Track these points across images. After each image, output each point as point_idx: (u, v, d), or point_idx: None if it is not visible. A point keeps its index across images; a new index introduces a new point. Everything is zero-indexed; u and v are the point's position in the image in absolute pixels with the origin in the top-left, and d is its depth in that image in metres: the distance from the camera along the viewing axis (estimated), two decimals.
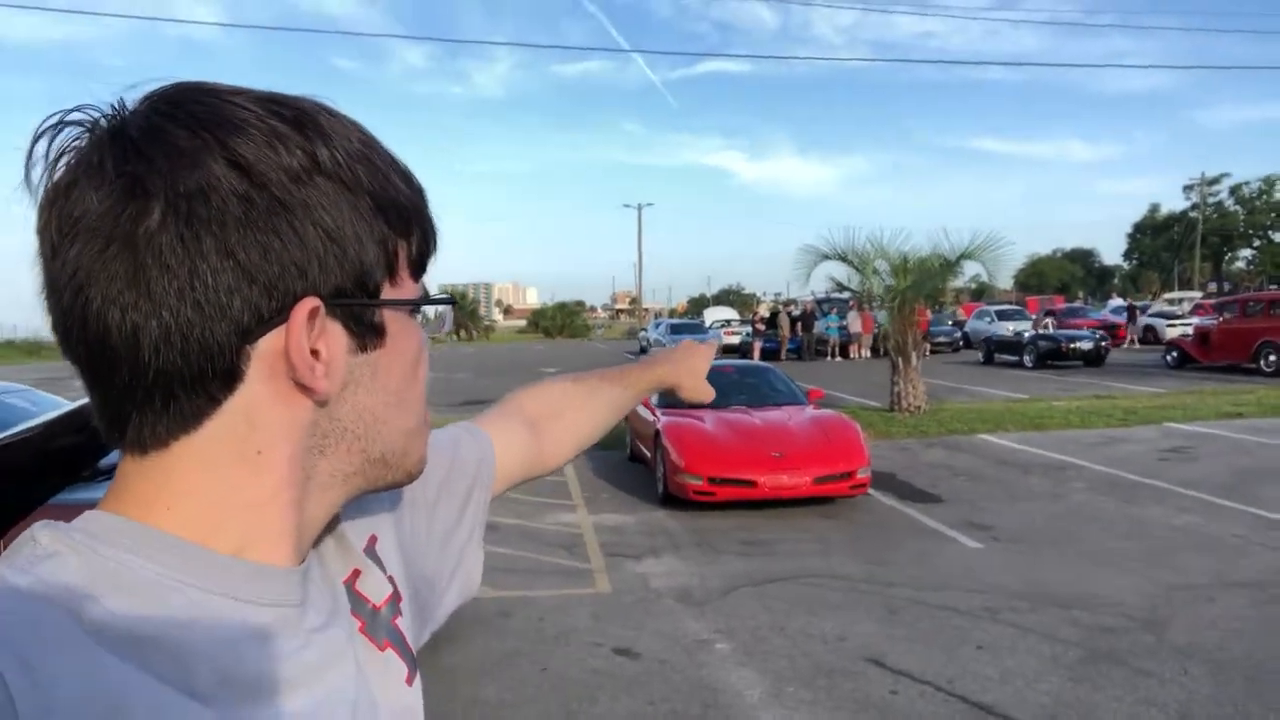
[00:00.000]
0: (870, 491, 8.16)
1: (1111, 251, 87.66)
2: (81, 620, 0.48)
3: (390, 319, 0.57)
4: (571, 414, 1.05)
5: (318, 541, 0.63)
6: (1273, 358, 18.35)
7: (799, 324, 28.13)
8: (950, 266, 15.27)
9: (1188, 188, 71.63)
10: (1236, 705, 4.01)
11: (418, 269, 0.60)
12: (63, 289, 0.50)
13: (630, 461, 10.32)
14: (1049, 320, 27.66)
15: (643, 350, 33.86)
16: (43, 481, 1.08)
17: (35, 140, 0.51)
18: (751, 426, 8.56)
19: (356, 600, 0.65)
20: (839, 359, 26.81)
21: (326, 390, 0.54)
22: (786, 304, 35.05)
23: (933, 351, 26.79)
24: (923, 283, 15.04)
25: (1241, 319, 19.58)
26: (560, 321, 64.57)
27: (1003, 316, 30.22)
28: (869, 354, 26.12)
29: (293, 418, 0.54)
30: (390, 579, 0.69)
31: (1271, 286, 43.19)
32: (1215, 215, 69.96)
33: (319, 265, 0.52)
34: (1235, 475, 8.87)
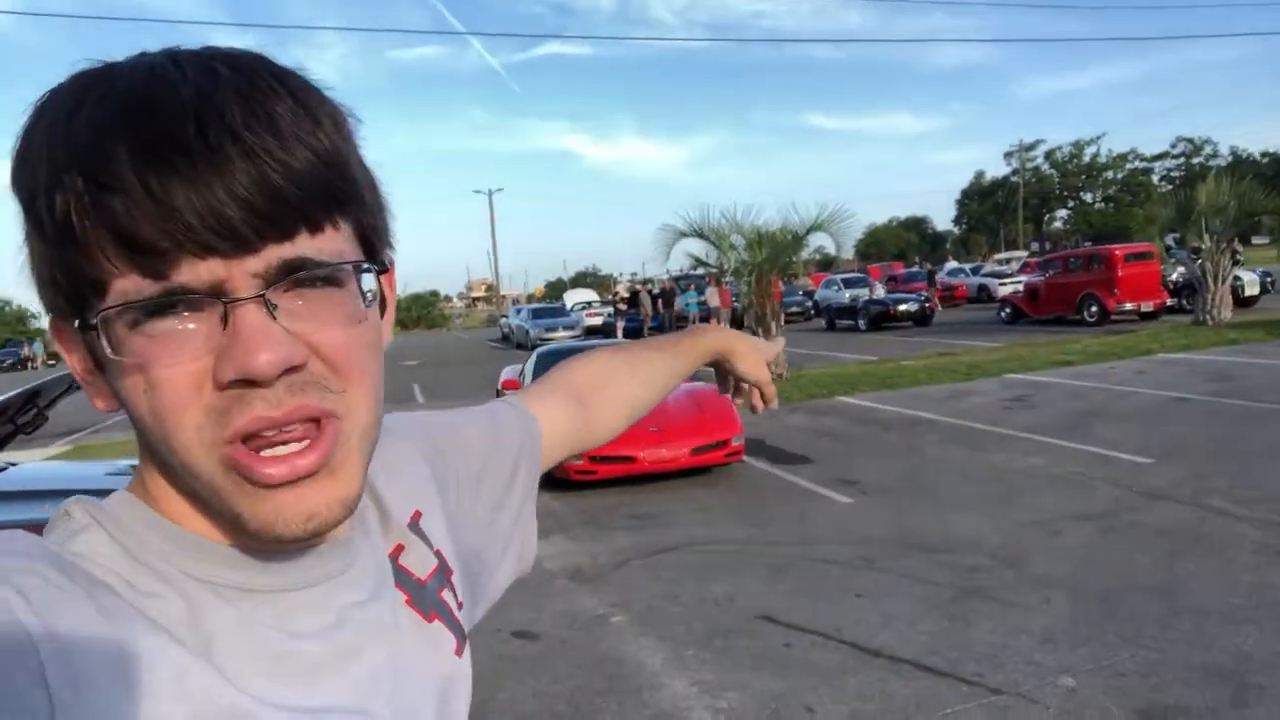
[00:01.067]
0: (744, 458, 8.43)
1: (943, 218, 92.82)
2: (116, 588, 0.50)
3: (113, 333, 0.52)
4: (618, 385, 1.02)
5: (360, 518, 0.63)
6: (1094, 308, 19.98)
7: (659, 301, 28.54)
8: (800, 239, 15.86)
9: (1008, 154, 76.88)
10: (1094, 624, 4.40)
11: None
12: None
13: None
14: (889, 285, 29.14)
15: (504, 337, 33.56)
16: None
17: None
18: None
19: (401, 574, 0.65)
20: None
21: (101, 408, 0.55)
22: (645, 283, 35.45)
23: (787, 321, 27.72)
24: (776, 255, 15.55)
25: (1065, 274, 21.20)
26: (415, 313, 63.09)
27: (849, 285, 31.51)
28: (729, 326, 26.77)
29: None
30: (437, 553, 0.69)
31: (1086, 243, 46.69)
32: (1034, 179, 75.32)
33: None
34: (1071, 418, 9.62)
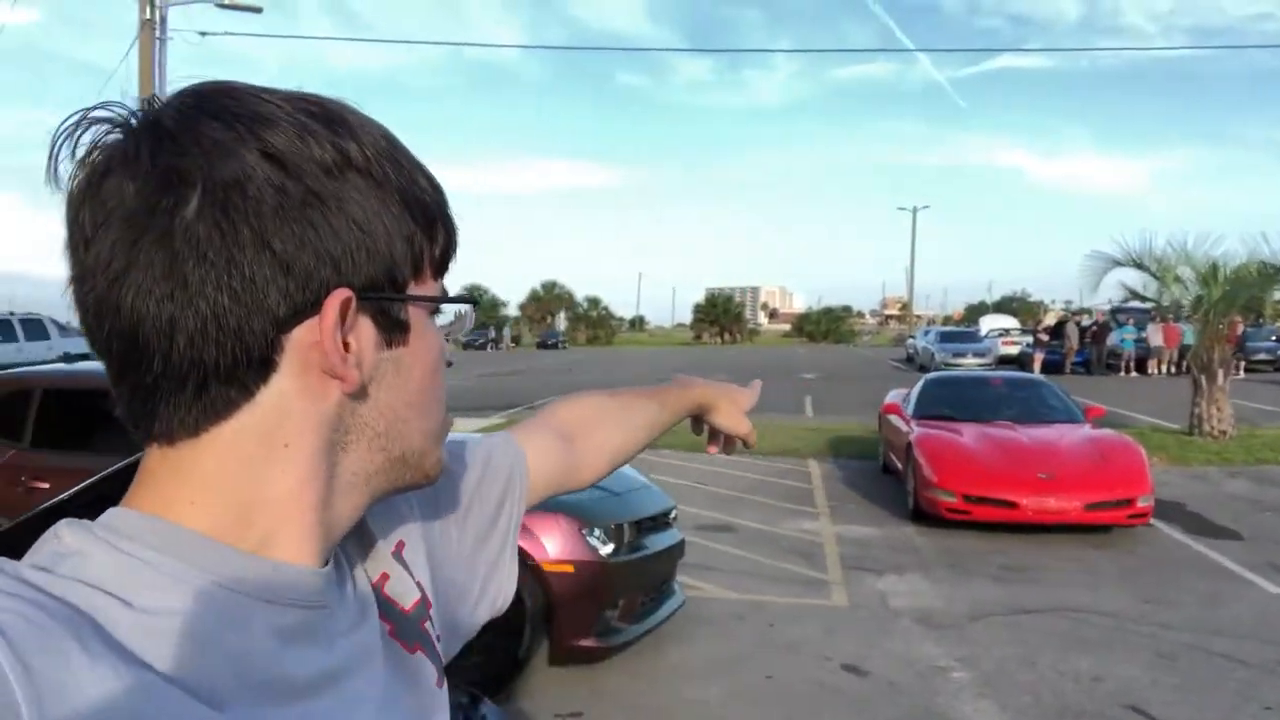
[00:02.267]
0: (1152, 522, 7.36)
1: None
2: (100, 622, 0.46)
3: (414, 316, 0.57)
4: (607, 429, 1.02)
5: (346, 544, 0.63)
6: None
7: (1089, 335, 25.85)
8: (1273, 275, 13.42)
9: None
10: None
11: (440, 269, 0.60)
12: (95, 280, 0.50)
13: (883, 473, 9.98)
14: None
15: (909, 358, 32.58)
16: None
17: (61, 134, 0.51)
18: (1016, 443, 8.00)
19: (385, 603, 0.65)
20: (1133, 374, 24.34)
21: (356, 382, 0.54)
22: (1076, 313, 32.32)
23: (1248, 369, 23.67)
24: (1237, 292, 13.33)
25: None
26: (825, 326, 63.71)
27: None
28: (1171, 370, 23.52)
29: (320, 411, 0.54)
30: (418, 584, 0.69)
31: None
32: None
33: (351, 258, 0.52)
34: None
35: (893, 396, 10.46)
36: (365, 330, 0.54)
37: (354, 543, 0.65)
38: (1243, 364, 22.29)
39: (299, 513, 0.55)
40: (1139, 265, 14.08)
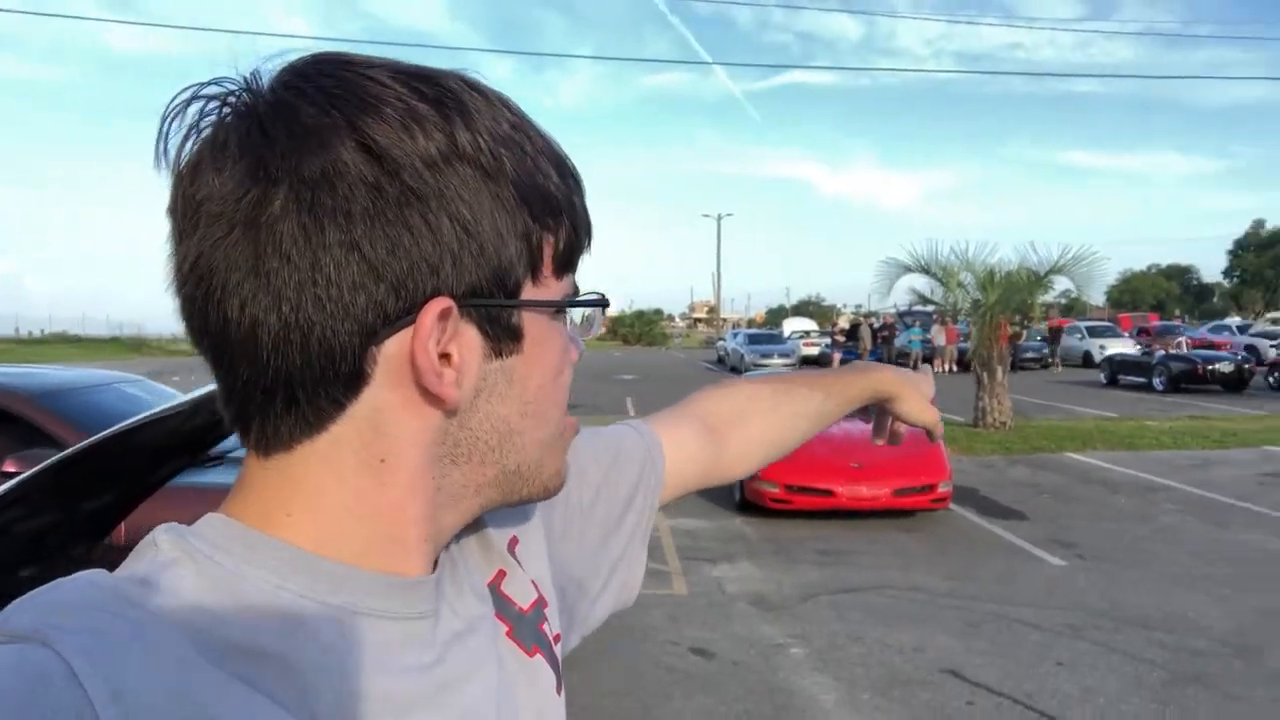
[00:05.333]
0: (952, 506, 8.06)
1: (1211, 269, 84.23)
2: (194, 636, 0.44)
3: (530, 321, 0.52)
4: (759, 419, 0.95)
5: (460, 540, 0.60)
6: None
7: (880, 336, 27.81)
8: (1039, 281, 14.97)
9: None
10: None
11: (564, 265, 0.54)
12: (185, 276, 0.48)
13: None
14: (1139, 338, 26.70)
15: (720, 360, 33.82)
16: (169, 462, 1.17)
17: (166, 117, 0.48)
18: (830, 436, 8.51)
19: (502, 602, 0.62)
20: None
21: (456, 399, 0.49)
22: (868, 316, 34.65)
23: (1020, 368, 26.18)
24: (1010, 297, 14.76)
25: None
26: (638, 329, 64.81)
27: (1094, 333, 29.31)
28: (954, 368, 25.67)
29: (421, 425, 0.50)
30: (533, 583, 0.65)
31: None
32: None
33: (453, 262, 0.48)
34: None
35: None
36: (470, 340, 0.50)
37: (469, 538, 0.62)
38: (1009, 361, 24.61)
39: (400, 527, 0.52)
40: (927, 271, 15.32)
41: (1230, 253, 76.45)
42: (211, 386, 1.19)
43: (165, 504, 1.03)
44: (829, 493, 7.70)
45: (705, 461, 0.90)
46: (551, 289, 0.53)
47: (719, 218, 65.03)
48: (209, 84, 0.49)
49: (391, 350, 0.48)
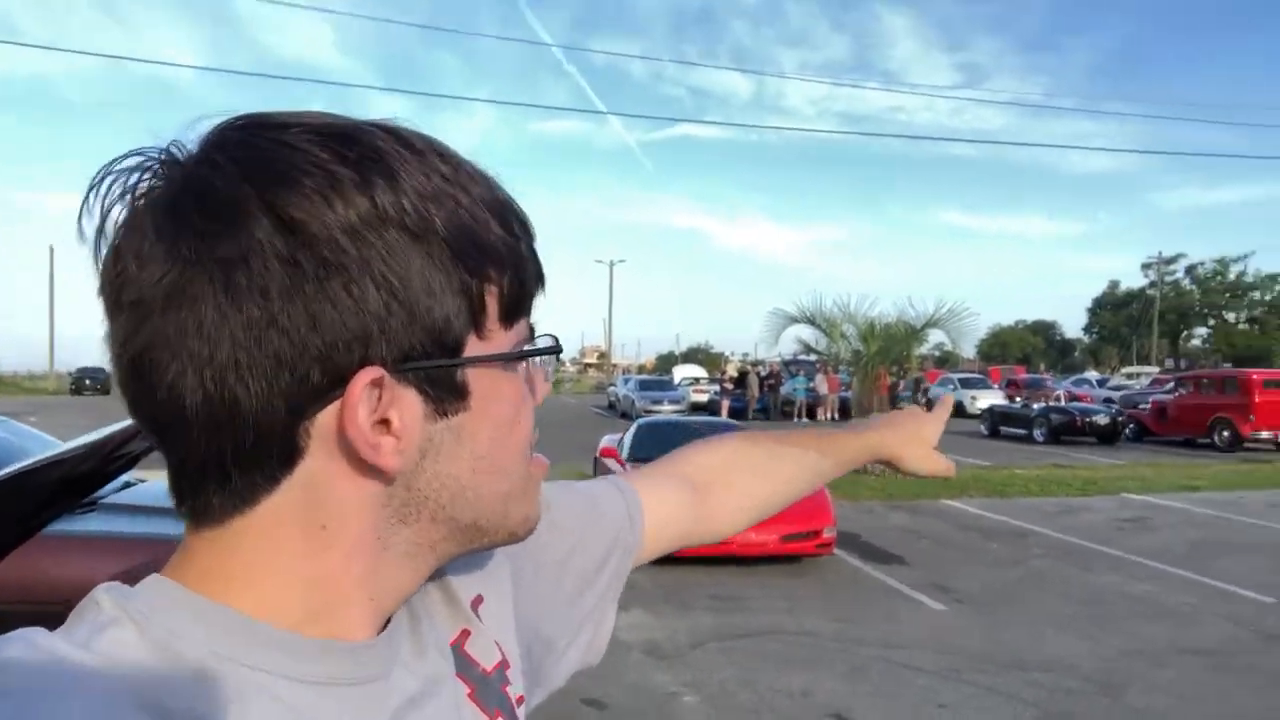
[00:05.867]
0: (836, 551, 8.26)
1: (1072, 325, 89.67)
2: (132, 699, 0.43)
3: (476, 376, 0.50)
4: (747, 478, 0.93)
5: (424, 592, 0.58)
6: (1226, 433, 18.86)
7: (766, 384, 28.45)
8: (916, 333, 15.69)
9: (1146, 266, 74.05)
10: None
11: (512, 314, 0.52)
12: (117, 357, 0.47)
13: None
14: (1008, 390, 28.12)
15: (610, 405, 33.91)
16: (52, 506, 1.14)
17: (86, 197, 0.47)
18: None
19: (465, 663, 0.60)
20: (805, 419, 27.07)
21: (396, 466, 0.48)
22: (755, 364, 35.41)
23: None
24: (889, 348, 15.41)
25: (1196, 395, 20.17)
26: None
27: (966, 385, 30.72)
28: (836, 415, 26.42)
29: (362, 493, 0.49)
30: (496, 643, 0.63)
31: (1226, 364, 44.42)
32: (1172, 293, 72.16)
33: (380, 329, 0.46)
34: (1189, 546, 9.08)
35: (607, 441, 10.93)
36: (409, 403, 0.48)
37: (434, 593, 0.60)
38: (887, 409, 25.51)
39: (343, 591, 0.50)
40: (812, 322, 15.87)
41: (1089, 310, 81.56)
42: (103, 432, 1.14)
43: (40, 551, 1.02)
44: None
45: (688, 520, 0.88)
46: (498, 340, 0.51)
47: (611, 264, 65.62)
48: (128, 156, 0.48)
49: (324, 421, 0.47)
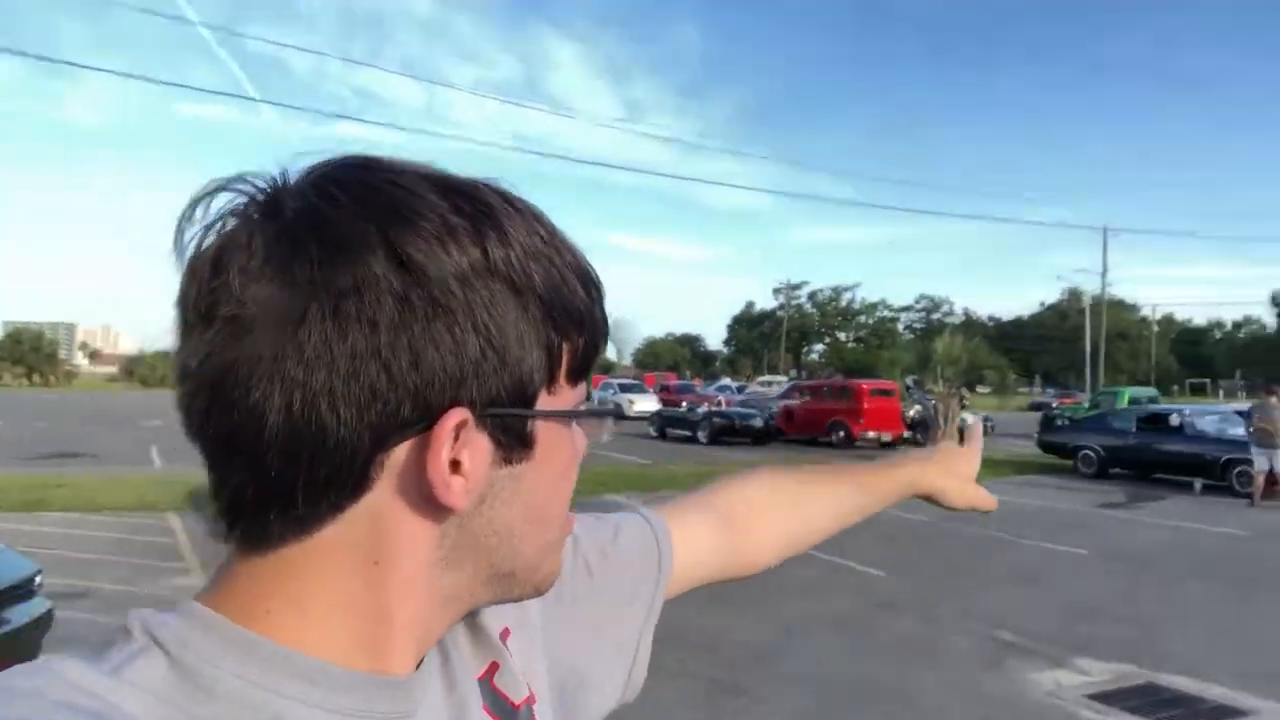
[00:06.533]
0: None
1: (714, 338, 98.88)
2: None
3: (543, 429, 0.51)
4: (783, 512, 0.93)
5: (453, 632, 0.57)
6: (842, 433, 21.75)
7: None
8: None
9: (776, 290, 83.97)
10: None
11: (579, 373, 0.54)
12: (192, 372, 0.46)
13: None
14: (662, 394, 30.13)
15: None
16: None
17: (190, 206, 0.47)
18: None
19: (494, 697, 0.59)
20: None
21: (463, 507, 0.48)
22: None
23: None
24: None
25: (818, 401, 23.02)
26: (162, 371, 58.29)
27: (625, 390, 32.46)
28: None
29: (420, 530, 0.49)
30: (524, 678, 0.63)
31: (839, 376, 50.94)
32: (796, 314, 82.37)
33: (474, 373, 0.47)
34: None
35: None
36: (481, 448, 0.48)
37: (461, 628, 0.59)
38: None
39: (386, 628, 0.49)
40: None
41: (729, 326, 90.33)
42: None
43: None
44: None
45: (720, 554, 0.88)
46: (564, 396, 0.53)
47: None
48: (235, 179, 0.48)
49: (399, 456, 0.47)
